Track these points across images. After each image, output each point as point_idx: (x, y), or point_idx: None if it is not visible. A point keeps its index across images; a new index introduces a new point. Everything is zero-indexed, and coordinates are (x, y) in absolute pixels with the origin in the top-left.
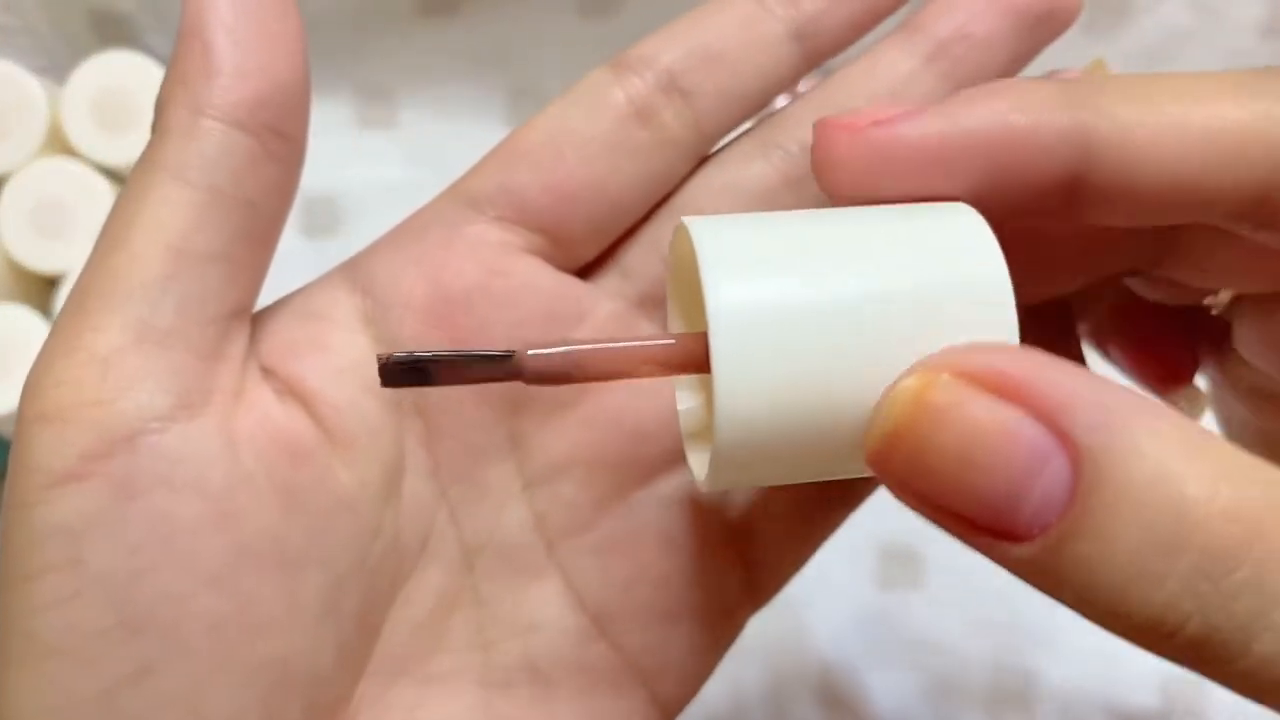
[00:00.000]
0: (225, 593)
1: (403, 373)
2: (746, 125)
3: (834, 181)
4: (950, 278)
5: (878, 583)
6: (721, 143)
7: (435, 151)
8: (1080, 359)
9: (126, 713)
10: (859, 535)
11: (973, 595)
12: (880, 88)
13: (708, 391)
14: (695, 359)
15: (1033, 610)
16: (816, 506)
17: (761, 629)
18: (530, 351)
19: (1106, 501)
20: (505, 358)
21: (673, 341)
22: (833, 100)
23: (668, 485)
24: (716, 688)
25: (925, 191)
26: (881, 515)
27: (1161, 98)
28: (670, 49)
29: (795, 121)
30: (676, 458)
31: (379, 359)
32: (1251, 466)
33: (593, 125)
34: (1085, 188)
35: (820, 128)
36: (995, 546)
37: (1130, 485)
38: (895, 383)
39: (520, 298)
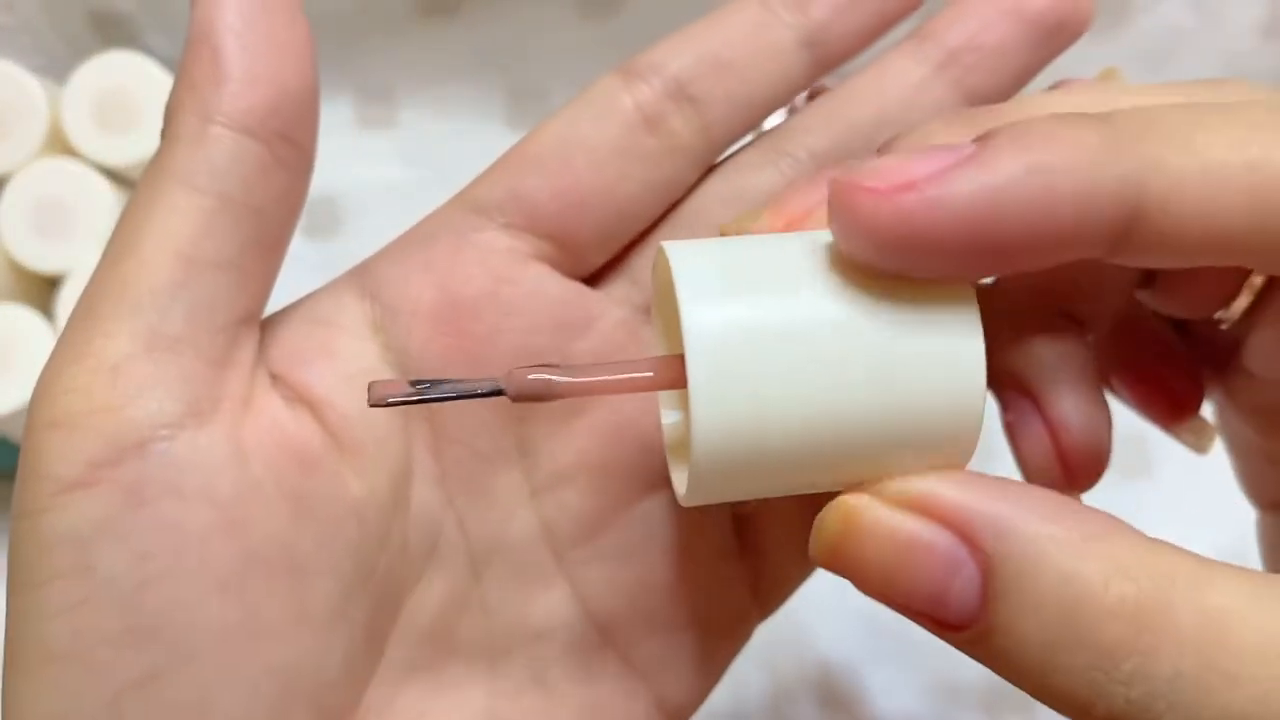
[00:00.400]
0: (233, 600)
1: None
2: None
3: (861, 251)
4: (923, 308)
5: None
6: (730, 150)
7: (435, 151)
8: (1095, 378)
9: (136, 719)
10: None
11: None
12: (890, 96)
13: (688, 406)
14: (674, 378)
15: None
16: None
17: (762, 629)
18: (515, 383)
19: (1011, 604)
20: (492, 393)
21: (651, 374)
22: (842, 109)
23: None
24: (717, 688)
25: (960, 255)
26: None
27: (1213, 144)
28: (679, 56)
29: (804, 129)
30: None
31: (370, 399)
32: (1143, 557)
33: (602, 132)
34: (1130, 237)
35: (839, 190)
36: (937, 632)
37: (1030, 589)
38: (831, 502)
39: (528, 305)
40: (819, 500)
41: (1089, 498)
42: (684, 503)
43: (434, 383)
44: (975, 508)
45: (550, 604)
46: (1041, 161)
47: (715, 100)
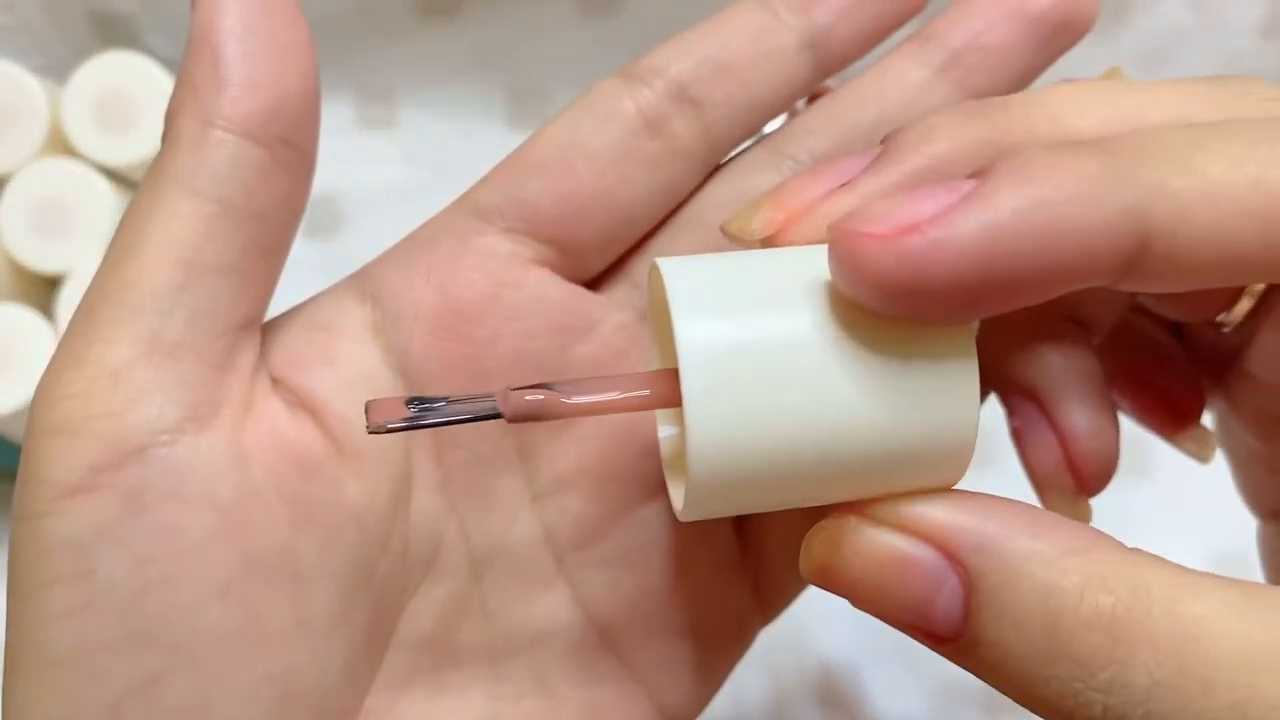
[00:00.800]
0: (234, 605)
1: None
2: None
3: (866, 298)
4: (919, 328)
5: None
6: (732, 153)
7: (435, 151)
8: (1101, 381)
9: None
10: None
11: None
12: (892, 98)
13: (684, 423)
14: (669, 396)
15: None
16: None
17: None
18: (511, 405)
19: (993, 617)
20: (489, 416)
21: (647, 392)
22: (844, 111)
23: None
24: None
25: (967, 297)
26: None
27: (1213, 164)
28: (681, 59)
29: (806, 131)
30: None
31: (368, 427)
32: (1120, 568)
33: (603, 136)
34: (1138, 265)
35: (839, 235)
36: (927, 643)
37: (1010, 602)
38: (817, 524)
39: (529, 309)
40: (822, 507)
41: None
42: (682, 518)
43: (431, 402)
44: (957, 525)
45: (551, 608)
46: (1044, 195)
47: (717, 103)
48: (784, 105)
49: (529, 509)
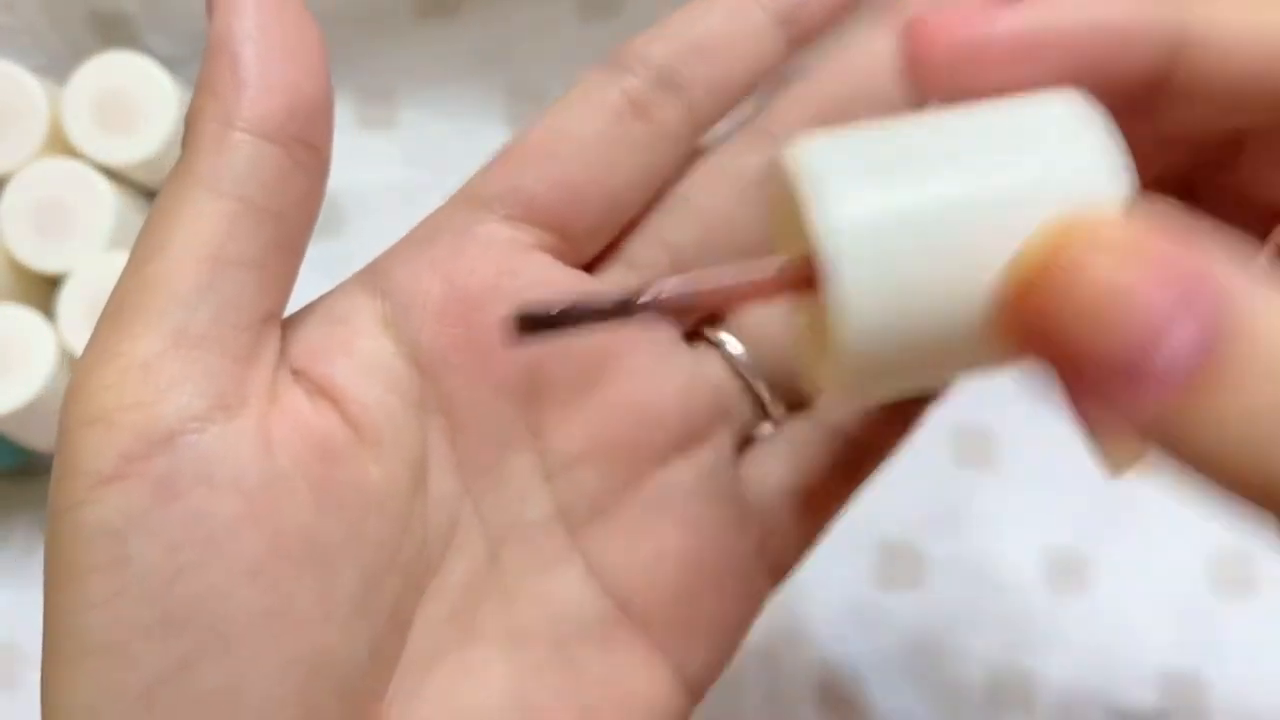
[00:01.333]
0: (262, 589)
1: (534, 326)
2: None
3: (924, 81)
4: (1063, 168)
5: (878, 581)
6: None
7: (435, 151)
8: None
9: (168, 708)
10: (860, 533)
11: (973, 594)
12: (861, 69)
13: (812, 313)
14: (804, 280)
15: (1033, 610)
16: (827, 480)
17: (761, 628)
18: (643, 298)
19: (1243, 355)
20: (625, 303)
21: (780, 272)
22: (820, 88)
23: (684, 469)
24: (715, 687)
25: (1014, 88)
26: (882, 513)
27: (1259, 8)
28: (662, 44)
29: (784, 111)
30: (691, 441)
31: (513, 316)
32: None
33: (592, 123)
34: (1172, 86)
35: (910, 29)
36: (1117, 405)
37: (1269, 341)
38: (1036, 231)
39: (531, 294)
40: (823, 465)
41: (1088, 499)
42: (835, 402)
43: (573, 308)
44: (1211, 251)
45: (568, 582)
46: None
47: (697, 85)
48: (762, 80)
49: (541, 486)
